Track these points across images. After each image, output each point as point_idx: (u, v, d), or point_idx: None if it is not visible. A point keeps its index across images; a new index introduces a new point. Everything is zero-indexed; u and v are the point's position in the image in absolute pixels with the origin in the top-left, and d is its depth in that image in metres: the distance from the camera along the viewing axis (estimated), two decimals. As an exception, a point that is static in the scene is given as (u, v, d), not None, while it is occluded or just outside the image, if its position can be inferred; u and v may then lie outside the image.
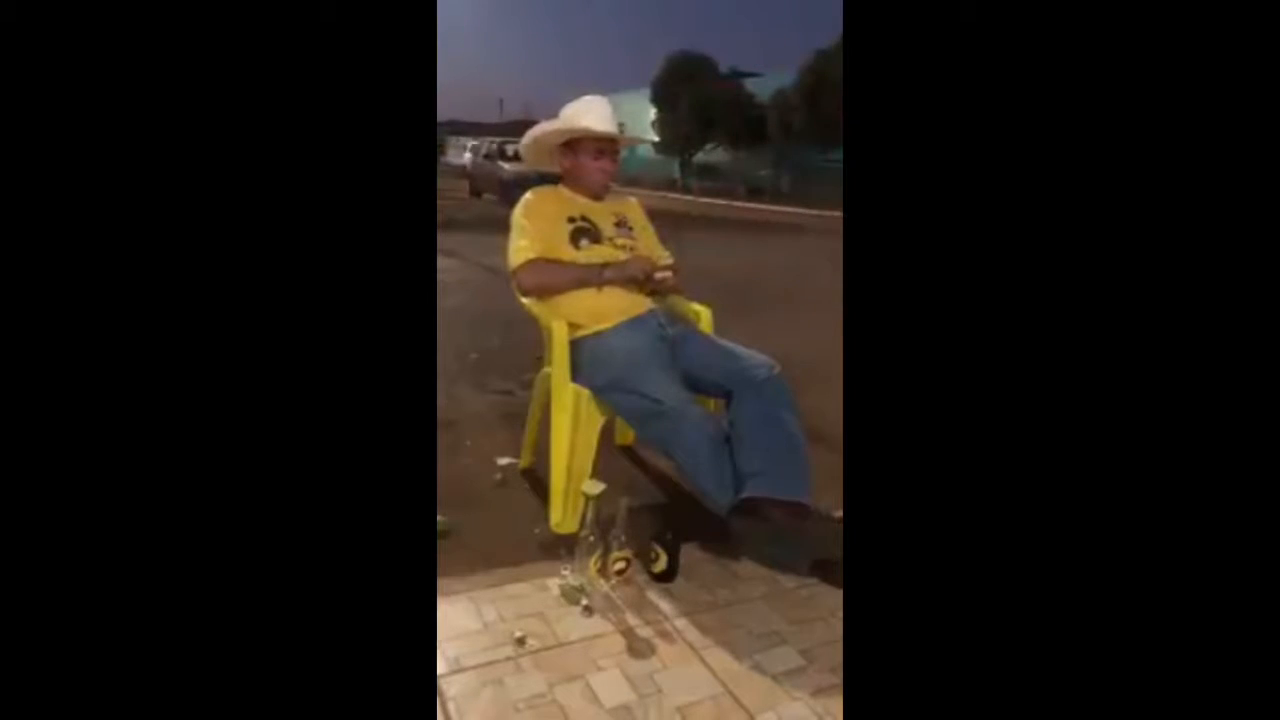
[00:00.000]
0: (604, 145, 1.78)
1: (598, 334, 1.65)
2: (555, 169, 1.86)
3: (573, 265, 1.68)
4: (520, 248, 1.69)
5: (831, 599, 1.39)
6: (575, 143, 1.77)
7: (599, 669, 1.18)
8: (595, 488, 1.39)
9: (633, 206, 1.93)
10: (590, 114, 1.76)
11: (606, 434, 1.71)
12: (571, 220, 1.74)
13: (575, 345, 1.64)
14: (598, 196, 1.82)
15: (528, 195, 1.79)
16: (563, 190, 1.83)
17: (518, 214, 1.75)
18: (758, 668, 1.20)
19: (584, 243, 1.72)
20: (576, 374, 1.62)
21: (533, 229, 1.71)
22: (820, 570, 1.44)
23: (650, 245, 1.88)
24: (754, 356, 1.63)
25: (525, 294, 1.72)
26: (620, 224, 1.82)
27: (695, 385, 1.59)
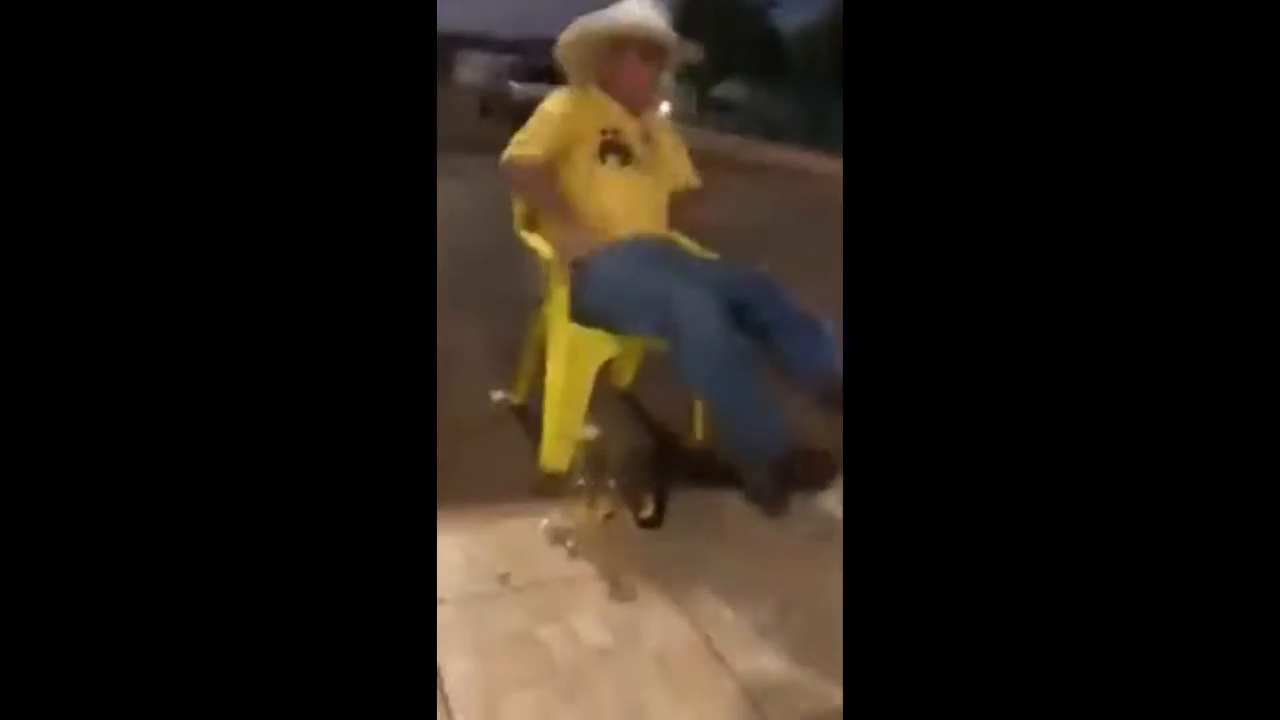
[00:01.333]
0: (652, 52, 1.63)
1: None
2: (582, 75, 1.71)
3: (563, 207, 1.60)
4: (531, 138, 1.58)
5: (815, 552, 1.40)
6: (620, 48, 1.63)
7: (580, 610, 1.19)
8: (588, 432, 1.39)
9: (663, 124, 1.80)
10: (643, 13, 1.61)
11: (602, 376, 1.69)
12: (604, 132, 1.62)
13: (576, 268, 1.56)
14: (637, 110, 1.69)
15: (563, 92, 1.66)
16: (599, 94, 1.68)
17: (550, 105, 1.63)
18: (738, 616, 1.22)
19: (611, 159, 1.61)
20: (578, 302, 1.56)
21: (556, 131, 1.58)
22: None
23: (678, 166, 1.78)
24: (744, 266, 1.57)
25: (512, 185, 1.63)
26: (647, 139, 1.70)
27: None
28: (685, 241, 1.83)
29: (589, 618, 1.18)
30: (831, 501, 1.50)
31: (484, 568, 1.26)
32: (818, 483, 1.31)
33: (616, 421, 1.86)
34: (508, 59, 14.13)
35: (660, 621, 1.19)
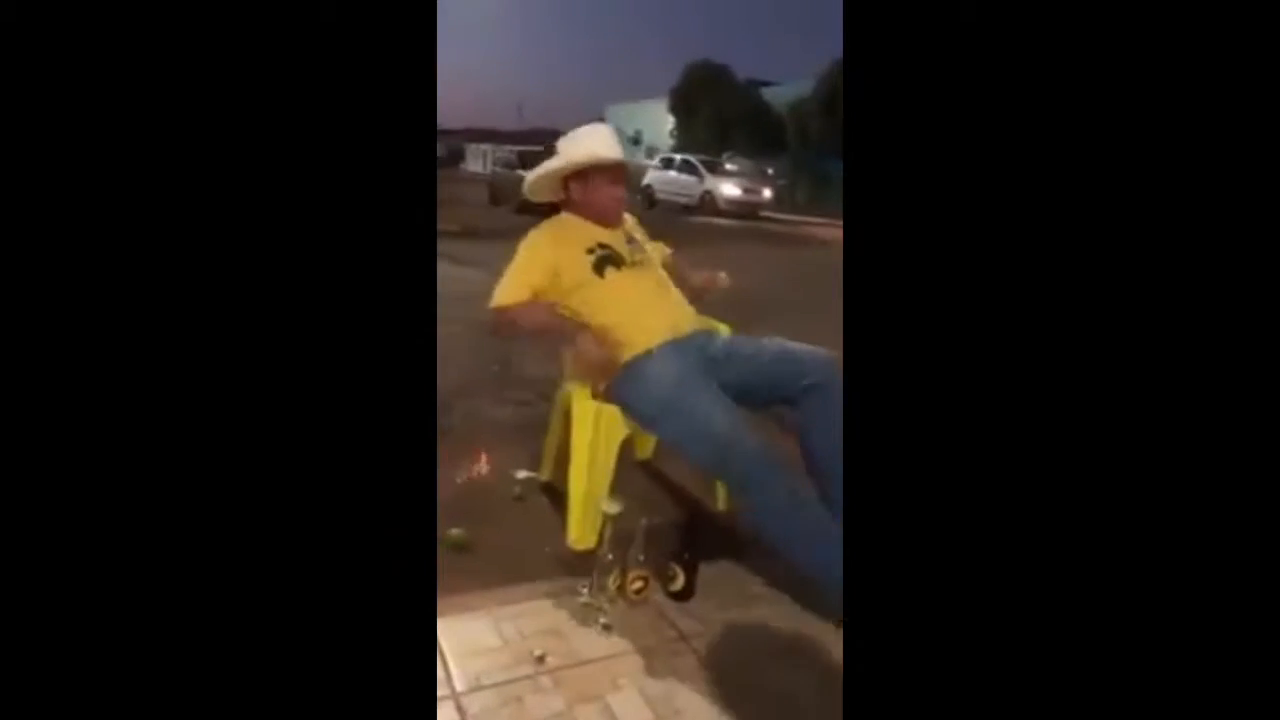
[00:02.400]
0: (615, 173, 1.76)
1: (646, 355, 1.60)
2: (555, 199, 1.83)
3: (564, 327, 1.64)
4: (513, 284, 1.65)
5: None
6: (585, 173, 1.75)
7: (617, 688, 1.18)
8: (614, 506, 1.40)
9: (633, 222, 1.92)
10: (599, 141, 1.74)
11: (626, 449, 1.72)
12: (591, 251, 1.70)
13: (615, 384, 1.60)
14: (612, 225, 1.79)
15: (543, 227, 1.77)
16: (574, 219, 1.79)
17: (526, 248, 1.72)
18: (776, 688, 1.20)
19: (609, 270, 1.67)
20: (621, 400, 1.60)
21: (537, 269, 1.67)
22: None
23: (652, 249, 1.89)
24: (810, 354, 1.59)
25: (497, 331, 1.68)
26: (629, 240, 1.80)
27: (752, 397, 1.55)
28: (712, 324, 1.85)
29: (627, 696, 1.17)
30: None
31: (519, 650, 1.25)
32: None
33: (640, 493, 1.87)
34: (514, 149, 14.72)
35: (699, 696, 1.18)
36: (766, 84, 24.80)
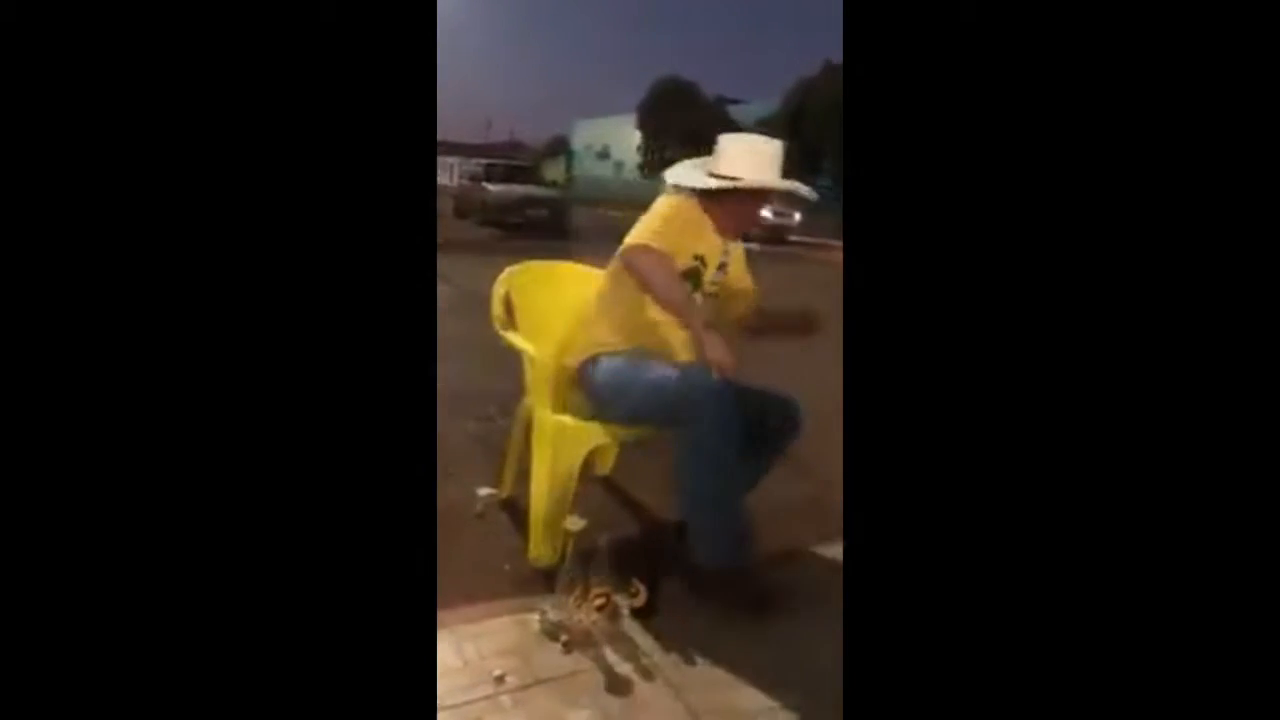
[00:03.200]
0: (764, 196, 1.70)
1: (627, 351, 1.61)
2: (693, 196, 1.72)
3: (685, 291, 1.56)
4: (657, 231, 1.54)
5: (808, 636, 1.40)
6: (749, 193, 1.65)
7: (578, 707, 1.18)
8: (576, 523, 1.40)
9: (738, 250, 1.82)
10: (775, 167, 1.64)
11: (588, 465, 1.71)
12: (695, 257, 1.64)
13: (594, 360, 1.61)
14: (730, 238, 1.72)
15: (684, 202, 1.63)
16: (701, 215, 1.65)
17: (670, 207, 1.60)
18: (735, 706, 1.21)
19: (686, 287, 1.61)
20: (587, 387, 1.61)
21: (676, 232, 1.57)
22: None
23: (739, 277, 1.81)
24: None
25: (632, 271, 1.54)
26: (721, 266, 1.72)
27: None
28: None
29: (587, 715, 1.16)
30: (824, 588, 1.51)
31: (479, 670, 1.24)
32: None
33: (602, 510, 1.87)
34: (481, 162, 14.63)
35: (659, 713, 1.18)
36: (734, 101, 25.17)
